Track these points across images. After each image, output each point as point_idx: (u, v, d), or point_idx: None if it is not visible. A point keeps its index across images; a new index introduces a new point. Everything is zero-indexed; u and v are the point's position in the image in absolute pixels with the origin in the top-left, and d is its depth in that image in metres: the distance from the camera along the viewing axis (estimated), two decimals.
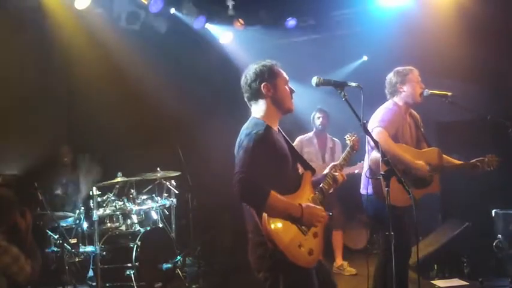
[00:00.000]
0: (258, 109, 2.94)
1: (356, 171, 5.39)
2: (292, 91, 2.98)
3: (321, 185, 3.01)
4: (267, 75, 2.91)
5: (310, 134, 6.16)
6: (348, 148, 3.31)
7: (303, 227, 2.78)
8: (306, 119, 6.36)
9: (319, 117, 6.09)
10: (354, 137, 3.36)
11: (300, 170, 3.05)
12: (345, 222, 6.35)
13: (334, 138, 6.17)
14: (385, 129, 3.85)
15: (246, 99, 3.00)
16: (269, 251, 2.67)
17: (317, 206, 2.86)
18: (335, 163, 3.16)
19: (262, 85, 2.90)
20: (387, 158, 3.09)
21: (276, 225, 2.67)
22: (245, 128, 2.85)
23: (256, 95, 2.93)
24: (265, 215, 2.65)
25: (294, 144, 5.84)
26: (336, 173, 3.07)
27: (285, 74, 2.99)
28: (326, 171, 3.12)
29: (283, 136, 3.02)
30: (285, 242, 2.67)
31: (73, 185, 6.29)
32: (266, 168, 2.72)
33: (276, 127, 2.96)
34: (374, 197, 3.88)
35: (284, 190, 2.78)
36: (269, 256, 2.69)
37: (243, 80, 2.97)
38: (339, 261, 6.08)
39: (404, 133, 4.02)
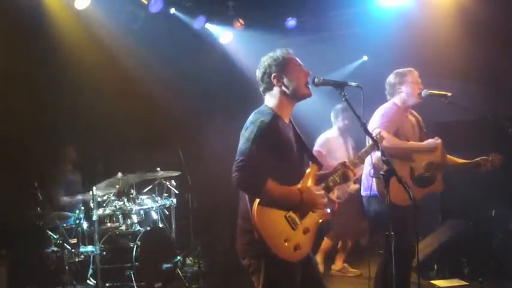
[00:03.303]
0: (270, 98, 2.96)
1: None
2: (307, 74, 2.96)
3: (326, 182, 2.99)
4: (275, 67, 2.92)
5: (335, 132, 5.94)
6: (367, 146, 3.24)
7: (295, 222, 2.77)
8: (306, 118, 6.35)
9: (345, 118, 5.88)
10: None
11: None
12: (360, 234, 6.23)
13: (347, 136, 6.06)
14: (386, 129, 3.85)
15: (261, 92, 3.02)
16: (255, 239, 2.70)
17: (317, 192, 2.85)
18: (350, 159, 3.17)
19: (272, 77, 2.92)
20: (387, 157, 3.09)
21: (265, 216, 2.69)
22: (253, 114, 2.88)
23: (268, 87, 2.96)
24: (255, 204, 2.67)
25: (321, 142, 5.77)
26: (347, 170, 3.04)
27: (295, 59, 2.98)
28: (337, 166, 3.09)
29: (293, 128, 3.02)
30: (271, 234, 2.69)
31: (74, 185, 6.29)
32: (267, 158, 2.73)
33: (287, 118, 2.96)
34: (378, 197, 3.85)
35: (285, 181, 2.78)
36: (254, 244, 2.72)
37: (256, 74, 3.01)
38: (339, 264, 6.04)
39: (406, 131, 4.02)
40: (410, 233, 3.84)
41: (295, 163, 2.93)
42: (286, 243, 2.74)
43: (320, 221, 2.91)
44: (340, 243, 6.07)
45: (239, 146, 2.75)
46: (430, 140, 3.96)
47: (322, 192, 2.90)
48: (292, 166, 2.90)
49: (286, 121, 2.95)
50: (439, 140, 3.95)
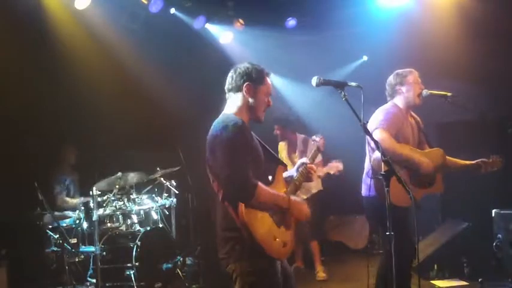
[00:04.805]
0: (233, 104, 2.97)
1: (332, 172, 5.37)
2: (269, 105, 3.00)
3: (292, 182, 3.07)
4: (254, 78, 2.93)
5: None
6: (314, 149, 3.41)
7: (277, 219, 2.82)
8: (306, 118, 6.37)
9: (275, 130, 6.04)
10: (319, 138, 3.49)
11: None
12: (318, 232, 6.33)
13: (309, 138, 6.14)
14: (387, 130, 3.83)
15: (225, 89, 3.03)
16: (241, 243, 2.71)
17: (303, 203, 2.95)
18: (303, 161, 3.18)
19: (245, 84, 2.92)
20: (387, 158, 3.09)
21: (252, 216, 2.70)
22: (221, 121, 2.85)
23: (236, 89, 2.96)
24: (242, 206, 2.67)
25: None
26: (306, 169, 3.12)
27: (270, 86, 3.00)
28: (294, 169, 3.16)
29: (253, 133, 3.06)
30: (261, 233, 2.71)
31: (75, 185, 6.28)
32: (249, 159, 2.75)
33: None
34: (377, 197, 3.82)
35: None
36: (237, 249, 2.73)
37: (231, 72, 3.00)
38: (318, 267, 6.09)
39: (405, 134, 4.01)
40: (411, 234, 3.85)
41: (262, 164, 2.95)
42: (277, 240, 2.78)
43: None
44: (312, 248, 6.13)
45: (219, 156, 2.73)
46: (426, 160, 3.88)
47: (306, 204, 2.98)
48: (261, 166, 2.92)
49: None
50: (432, 164, 3.89)
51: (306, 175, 3.12)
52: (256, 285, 2.76)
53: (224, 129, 2.76)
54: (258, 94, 2.93)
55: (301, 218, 2.94)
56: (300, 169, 3.13)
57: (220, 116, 2.96)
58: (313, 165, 3.17)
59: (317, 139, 3.51)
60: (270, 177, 2.98)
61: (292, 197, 2.90)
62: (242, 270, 2.76)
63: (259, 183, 2.70)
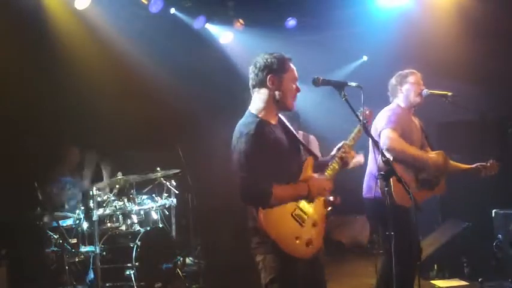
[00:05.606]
0: (257, 100, 2.94)
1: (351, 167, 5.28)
2: (298, 90, 2.97)
3: (326, 171, 3.00)
4: (276, 68, 2.89)
5: None
6: (358, 125, 3.13)
7: (302, 218, 2.80)
8: (306, 118, 6.36)
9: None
10: (368, 111, 3.22)
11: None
12: None
13: (310, 136, 6.14)
14: (395, 130, 3.86)
15: (250, 86, 2.99)
16: (264, 240, 2.75)
17: (320, 177, 2.91)
18: (344, 142, 3.09)
19: (268, 76, 2.88)
20: (386, 158, 3.09)
21: (272, 218, 2.72)
22: (241, 125, 2.87)
23: (260, 84, 2.92)
24: (260, 209, 2.70)
25: None
26: (344, 155, 3.03)
27: (295, 71, 2.97)
28: (333, 152, 3.09)
29: (284, 126, 3.01)
30: (281, 235, 2.73)
31: (75, 185, 6.27)
32: (265, 164, 2.74)
33: (274, 119, 2.96)
34: (381, 199, 3.74)
35: (286, 180, 2.82)
36: (264, 243, 2.77)
37: (252, 67, 2.96)
38: None
39: (410, 134, 4.02)
40: (412, 235, 3.83)
41: (291, 160, 2.95)
42: (298, 241, 2.77)
43: (327, 211, 2.97)
44: None
45: (235, 161, 2.77)
46: (434, 155, 3.97)
47: (324, 178, 2.94)
48: (289, 164, 2.92)
49: (273, 122, 2.94)
50: (441, 156, 3.97)
51: (341, 161, 3.01)
52: (276, 280, 2.79)
53: (240, 136, 2.79)
54: (283, 83, 2.89)
55: (323, 194, 2.91)
56: (340, 151, 3.03)
57: (246, 114, 2.93)
58: (351, 148, 3.06)
59: (366, 111, 3.15)
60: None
61: (307, 176, 2.88)
62: (265, 264, 2.80)
63: (274, 187, 2.71)
